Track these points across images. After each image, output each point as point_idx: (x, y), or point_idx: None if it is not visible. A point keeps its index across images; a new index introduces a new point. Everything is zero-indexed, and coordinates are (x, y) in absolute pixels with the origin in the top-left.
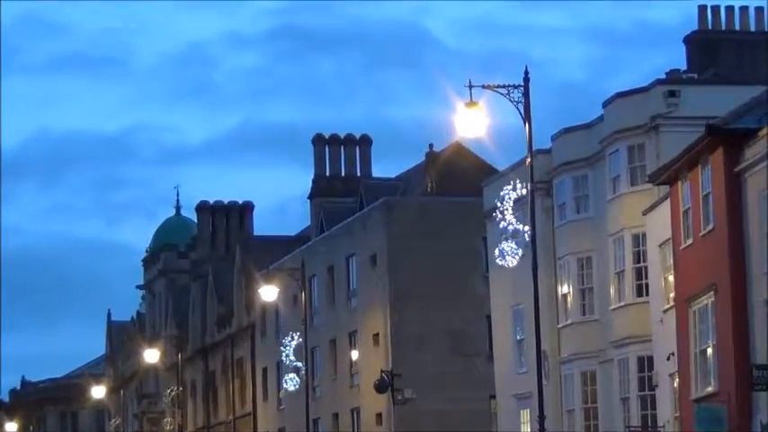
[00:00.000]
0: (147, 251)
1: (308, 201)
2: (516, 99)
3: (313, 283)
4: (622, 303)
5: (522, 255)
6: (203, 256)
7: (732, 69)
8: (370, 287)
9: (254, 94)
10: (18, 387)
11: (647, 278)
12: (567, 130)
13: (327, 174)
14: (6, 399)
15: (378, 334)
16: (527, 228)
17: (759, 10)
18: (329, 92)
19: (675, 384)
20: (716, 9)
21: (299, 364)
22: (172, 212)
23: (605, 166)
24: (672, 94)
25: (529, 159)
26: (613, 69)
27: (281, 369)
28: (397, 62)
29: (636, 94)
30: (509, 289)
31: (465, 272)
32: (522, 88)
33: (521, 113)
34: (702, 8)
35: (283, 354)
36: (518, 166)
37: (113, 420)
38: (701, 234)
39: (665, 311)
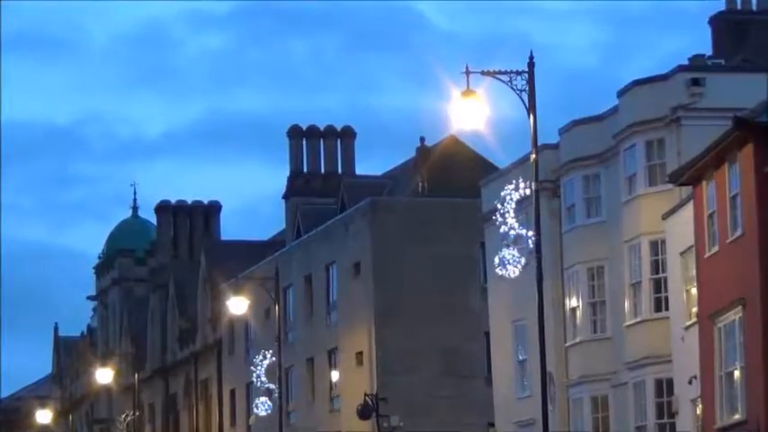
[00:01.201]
0: (99, 257)
1: (283, 201)
2: (519, 87)
3: (288, 294)
4: (638, 319)
5: (526, 263)
6: (163, 263)
7: (763, 54)
8: (352, 299)
9: (220, 81)
10: None
11: (666, 291)
12: (577, 123)
13: (304, 170)
14: None
15: (361, 352)
16: (531, 233)
17: None
18: (305, 78)
19: (698, 411)
20: None
21: (272, 386)
22: (128, 214)
23: (620, 163)
24: (695, 82)
25: (533, 155)
26: (626, 55)
27: (251, 392)
28: (381, 45)
29: (655, 83)
30: (510, 302)
31: (460, 282)
32: (525, 75)
33: (524, 103)
34: None
35: (254, 374)
36: (521, 163)
37: None
38: (727, 241)
39: (687, 328)
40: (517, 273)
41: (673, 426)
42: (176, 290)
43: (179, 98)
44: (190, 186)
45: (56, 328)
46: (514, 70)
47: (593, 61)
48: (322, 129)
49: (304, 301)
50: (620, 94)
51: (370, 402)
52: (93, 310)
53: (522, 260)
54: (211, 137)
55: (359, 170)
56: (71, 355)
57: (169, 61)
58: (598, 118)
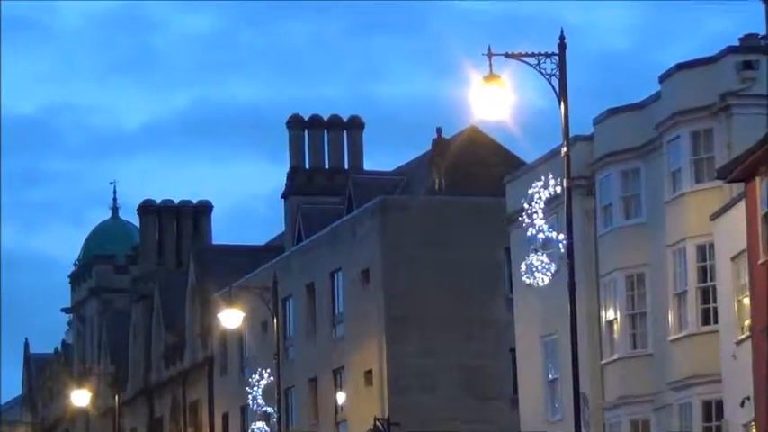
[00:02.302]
0: (75, 264)
1: (282, 201)
2: (549, 72)
3: (288, 305)
4: (684, 333)
5: (556, 271)
6: (147, 270)
7: None
8: (360, 311)
9: (208, 67)
10: None
11: (715, 301)
12: (614, 112)
13: (306, 166)
14: None
15: (370, 371)
16: (562, 236)
17: None
18: (305, 64)
19: None
20: None
21: (270, 408)
22: (107, 215)
23: (662, 157)
24: (747, 65)
25: (564, 148)
26: (665, 35)
27: (246, 415)
28: (391, 26)
29: (701, 66)
30: (539, 314)
31: (482, 292)
32: (555, 57)
33: (554, 90)
34: None
35: (250, 396)
36: (551, 158)
37: None
38: None
39: (739, 344)
40: (546, 281)
41: None
42: (162, 301)
43: (162, 86)
44: (176, 184)
45: (26, 345)
46: (543, 52)
47: (628, 43)
48: (326, 119)
49: (306, 313)
50: (662, 79)
51: (380, 427)
52: (69, 324)
53: (553, 267)
54: (200, 129)
55: (367, 165)
56: (43, 375)
57: (151, 45)
58: (637, 106)
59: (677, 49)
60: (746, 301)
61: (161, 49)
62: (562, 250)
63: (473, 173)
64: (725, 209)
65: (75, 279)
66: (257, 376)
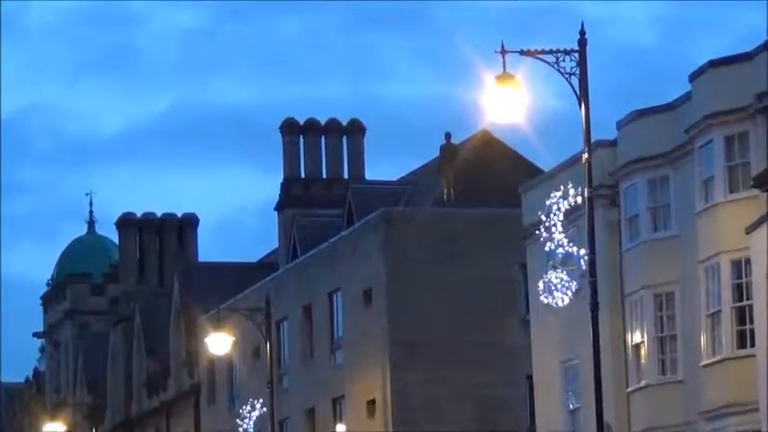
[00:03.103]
0: (48, 284)
1: (275, 213)
2: (568, 70)
3: (282, 329)
4: (718, 358)
5: (577, 289)
6: (127, 291)
7: None
8: (362, 335)
9: (192, 67)
10: None
11: (751, 322)
12: (640, 114)
13: (302, 175)
14: None
15: (373, 401)
16: (583, 251)
17: None
18: (299, 63)
19: None
20: None
21: None
22: (83, 230)
23: (693, 164)
24: None
25: (586, 154)
26: (693, 30)
27: None
28: (393, 21)
29: (736, 64)
30: (558, 338)
31: (496, 313)
32: (575, 54)
33: (574, 90)
34: None
35: (240, 429)
36: (571, 165)
37: None
38: None
39: None
40: (566, 301)
41: None
42: (143, 324)
43: (142, 88)
44: (159, 196)
45: None
46: (562, 49)
47: (654, 38)
48: (323, 123)
49: (302, 337)
50: (693, 78)
51: None
52: (41, 350)
53: (573, 285)
54: (184, 135)
55: (369, 174)
56: (14, 406)
57: (129, 42)
58: (666, 108)
59: (708, 44)
60: None
61: (140, 47)
62: (583, 267)
63: (485, 182)
64: (762, 221)
65: (48, 300)
66: (248, 407)
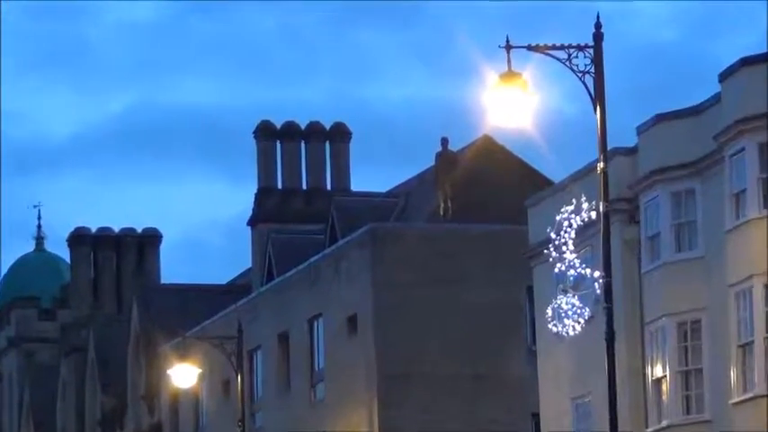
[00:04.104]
0: None
1: (249, 229)
2: (582, 68)
3: (255, 359)
4: (749, 395)
5: (591, 317)
6: (80, 316)
7: None
8: (346, 367)
9: (153, 64)
10: None
11: None
12: (662, 119)
13: (279, 186)
14: None
15: None
16: (598, 274)
17: None
18: (275, 61)
19: None
20: None
21: None
22: (30, 247)
23: (723, 175)
24: None
25: (601, 164)
26: (722, 25)
27: None
28: (381, 15)
29: None
30: (569, 371)
31: (498, 343)
32: (590, 51)
33: (588, 90)
34: None
35: None
36: (584, 176)
37: None
38: None
39: None
40: (578, 330)
41: None
42: (98, 354)
43: (96, 87)
44: (116, 209)
45: None
46: (575, 44)
47: (677, 34)
48: (303, 127)
49: (278, 369)
50: (723, 78)
51: None
52: None
53: (586, 312)
54: (144, 140)
55: (355, 185)
56: None
57: (81, 36)
58: (692, 112)
59: (739, 40)
60: None
61: (94, 42)
62: (597, 291)
63: (487, 194)
64: None
65: None
66: None
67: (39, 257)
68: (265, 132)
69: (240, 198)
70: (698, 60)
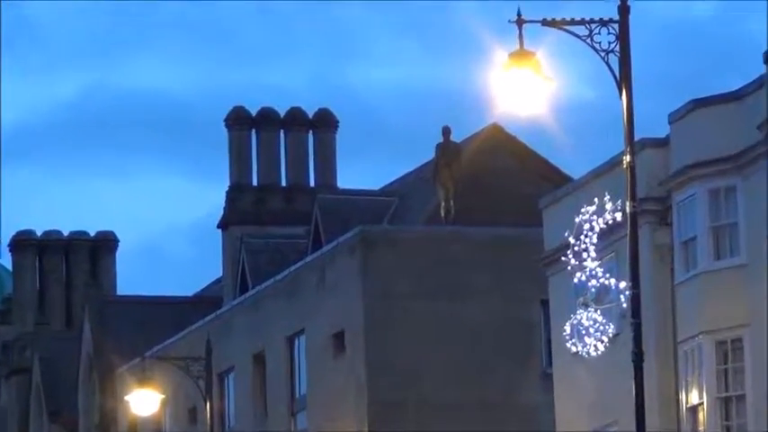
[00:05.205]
0: None
1: (219, 232)
2: (605, 47)
3: (227, 383)
4: None
5: (615, 334)
6: (23, 332)
7: None
8: (332, 391)
9: (107, 43)
10: None
11: None
12: (700, 105)
13: (254, 182)
14: None
15: None
16: (624, 284)
17: None
18: (249, 39)
19: None
20: None
21: None
22: None
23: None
24: None
25: (628, 157)
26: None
27: None
28: None
29: None
30: (590, 397)
31: (508, 364)
32: (615, 26)
33: (612, 72)
34: None
35: None
36: (607, 171)
37: None
38: None
39: None
40: (601, 349)
41: None
42: (44, 377)
43: (41, 69)
44: (65, 209)
45: None
46: (597, 18)
47: (713, 8)
48: (282, 115)
49: (253, 393)
50: None
51: None
52: None
53: (610, 329)
54: (97, 130)
55: (342, 182)
56: None
57: (26, 15)
58: (732, 97)
59: None
60: None
61: (37, 20)
62: (624, 305)
63: (495, 192)
64: None
65: None
66: None
67: None
68: (238, 120)
69: (209, 197)
70: (738, 39)
